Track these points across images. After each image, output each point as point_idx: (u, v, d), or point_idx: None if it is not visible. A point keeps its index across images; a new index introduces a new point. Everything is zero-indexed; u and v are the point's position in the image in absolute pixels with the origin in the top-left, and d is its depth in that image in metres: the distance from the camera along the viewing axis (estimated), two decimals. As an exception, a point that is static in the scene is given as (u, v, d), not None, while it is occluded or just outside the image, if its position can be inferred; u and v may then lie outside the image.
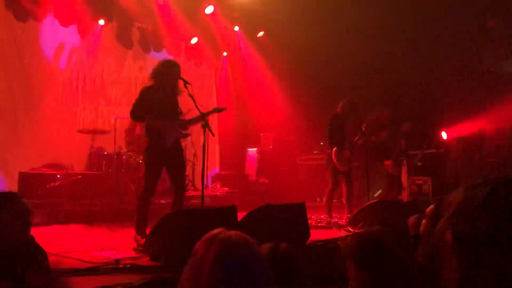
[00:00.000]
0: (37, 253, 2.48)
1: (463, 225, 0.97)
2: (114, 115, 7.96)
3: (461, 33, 10.24)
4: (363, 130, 7.13)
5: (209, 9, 9.97)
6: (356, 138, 7.12)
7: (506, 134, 9.70)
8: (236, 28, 10.98)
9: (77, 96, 9.06)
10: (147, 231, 4.39)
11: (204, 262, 1.19)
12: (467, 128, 9.89)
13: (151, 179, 4.89)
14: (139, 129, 7.77)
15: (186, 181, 8.69)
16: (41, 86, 8.40)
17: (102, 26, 9.13)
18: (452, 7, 9.86)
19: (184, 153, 5.24)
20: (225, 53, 11.70)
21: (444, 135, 10.39)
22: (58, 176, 6.93)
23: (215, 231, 1.29)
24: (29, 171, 7.30)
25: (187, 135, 5.25)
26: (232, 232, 1.28)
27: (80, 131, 8.27)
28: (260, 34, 11.28)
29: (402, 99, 10.49)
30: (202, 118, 4.87)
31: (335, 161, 6.95)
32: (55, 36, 8.68)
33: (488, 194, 0.97)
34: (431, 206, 2.43)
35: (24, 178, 6.70)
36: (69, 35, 8.84)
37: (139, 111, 4.91)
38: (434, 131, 10.46)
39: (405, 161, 9.57)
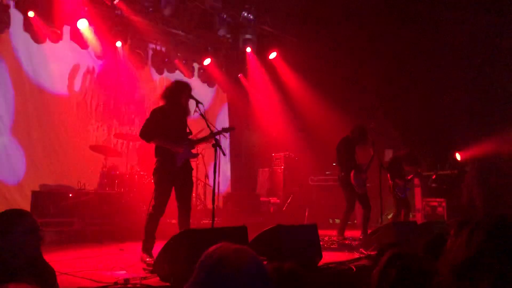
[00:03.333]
0: (44, 270, 2.47)
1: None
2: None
3: (475, 53, 10.20)
4: (372, 154, 7.13)
5: (221, 32, 10.09)
6: (368, 161, 7.09)
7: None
8: (248, 50, 11.08)
9: (91, 116, 9.17)
10: (157, 251, 4.35)
11: (208, 282, 1.16)
12: (482, 149, 9.75)
13: (161, 199, 4.87)
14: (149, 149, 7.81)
15: (196, 200, 8.69)
16: (55, 106, 8.54)
17: (116, 47, 9.28)
18: (466, 27, 9.86)
19: (192, 173, 5.23)
20: (238, 75, 11.78)
21: (458, 156, 10.26)
22: (71, 195, 6.96)
23: (220, 246, 1.26)
24: (42, 190, 7.35)
25: (197, 155, 5.26)
26: (236, 249, 1.25)
27: (92, 148, 8.33)
28: (273, 55, 11.36)
29: (417, 121, 10.42)
30: (211, 137, 4.87)
31: (354, 183, 6.92)
32: (71, 58, 8.85)
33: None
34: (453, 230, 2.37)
35: (37, 196, 6.74)
36: (84, 56, 9.02)
37: (149, 131, 4.93)
38: (448, 152, 10.34)
39: (419, 182, 9.46)
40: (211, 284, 1.16)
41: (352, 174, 6.95)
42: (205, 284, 1.17)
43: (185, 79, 10.15)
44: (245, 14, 10.32)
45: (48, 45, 8.30)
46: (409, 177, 7.82)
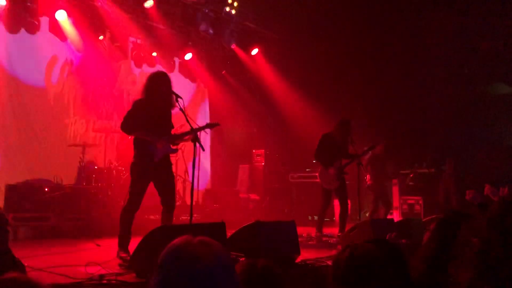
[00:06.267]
0: (14, 267, 2.39)
1: (495, 230, 1.03)
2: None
3: (454, 55, 10.35)
4: (353, 154, 7.10)
5: (202, 26, 10.01)
6: (346, 162, 7.07)
7: (497, 155, 9.75)
8: (232, 46, 11.04)
9: (69, 110, 9.01)
10: (134, 247, 4.29)
11: (170, 276, 1.15)
12: (459, 148, 9.92)
13: (136, 193, 4.80)
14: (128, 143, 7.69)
15: (175, 196, 8.61)
16: (32, 98, 8.35)
17: (95, 40, 9.12)
18: (445, 29, 10.00)
19: (172, 168, 5.15)
20: (221, 70, 11.72)
21: (436, 156, 10.42)
22: (46, 189, 6.82)
23: (181, 240, 1.25)
24: (17, 184, 7.18)
25: (176, 150, 5.18)
26: (200, 241, 1.23)
27: (70, 142, 8.21)
28: (254, 51, 11.32)
29: (395, 119, 10.53)
30: (193, 133, 4.80)
31: (319, 180, 6.99)
32: (48, 49, 8.66)
33: None
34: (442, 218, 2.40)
35: (10, 190, 6.57)
36: (62, 49, 8.84)
37: (130, 124, 4.84)
38: (425, 151, 10.48)
39: (396, 181, 9.58)
40: (170, 277, 1.15)
41: (319, 170, 7.02)
42: (166, 277, 1.16)
43: (167, 73, 10.07)
44: (227, 10, 10.25)
45: (24, 35, 8.11)
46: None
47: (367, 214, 9.26)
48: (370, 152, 7.49)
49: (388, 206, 8.57)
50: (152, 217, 7.44)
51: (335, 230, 7.34)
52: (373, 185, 8.33)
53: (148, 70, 10.02)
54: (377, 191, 8.37)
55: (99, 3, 8.72)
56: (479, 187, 9.24)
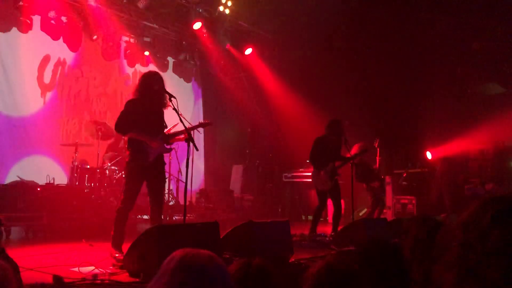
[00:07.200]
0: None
1: (472, 233, 1.02)
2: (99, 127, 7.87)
3: (446, 55, 10.41)
4: (345, 157, 7.15)
5: (197, 25, 10.00)
6: (339, 163, 7.10)
7: (489, 154, 9.82)
8: (226, 45, 11.03)
9: (61, 109, 8.97)
10: (127, 246, 4.29)
11: (164, 274, 1.17)
12: (452, 148, 9.99)
13: (131, 193, 4.80)
14: (123, 143, 7.68)
15: (169, 196, 8.61)
16: (24, 97, 8.30)
17: (88, 39, 9.08)
18: (438, 29, 10.05)
19: (165, 168, 5.15)
20: (215, 70, 11.71)
21: (429, 155, 10.48)
22: (39, 189, 6.79)
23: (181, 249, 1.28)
24: (9, 184, 7.14)
25: (170, 150, 5.19)
26: (198, 250, 1.26)
27: (62, 142, 8.17)
28: (248, 51, 11.32)
29: (389, 119, 10.58)
30: (187, 132, 4.80)
31: (312, 181, 7.02)
32: (41, 49, 8.62)
33: (498, 210, 1.03)
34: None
35: (3, 190, 6.54)
36: (55, 48, 8.79)
37: (124, 124, 4.84)
38: (419, 151, 10.54)
39: (390, 180, 9.62)
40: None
41: (312, 172, 7.06)
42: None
43: (160, 73, 10.04)
44: (221, 9, 10.24)
45: (16, 34, 8.06)
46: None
47: (360, 214, 9.30)
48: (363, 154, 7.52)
49: (383, 206, 8.62)
50: (145, 217, 7.43)
51: (328, 230, 7.37)
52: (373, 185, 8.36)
53: (141, 69, 10.02)
54: (376, 191, 8.40)
55: (93, 3, 8.69)
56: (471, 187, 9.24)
